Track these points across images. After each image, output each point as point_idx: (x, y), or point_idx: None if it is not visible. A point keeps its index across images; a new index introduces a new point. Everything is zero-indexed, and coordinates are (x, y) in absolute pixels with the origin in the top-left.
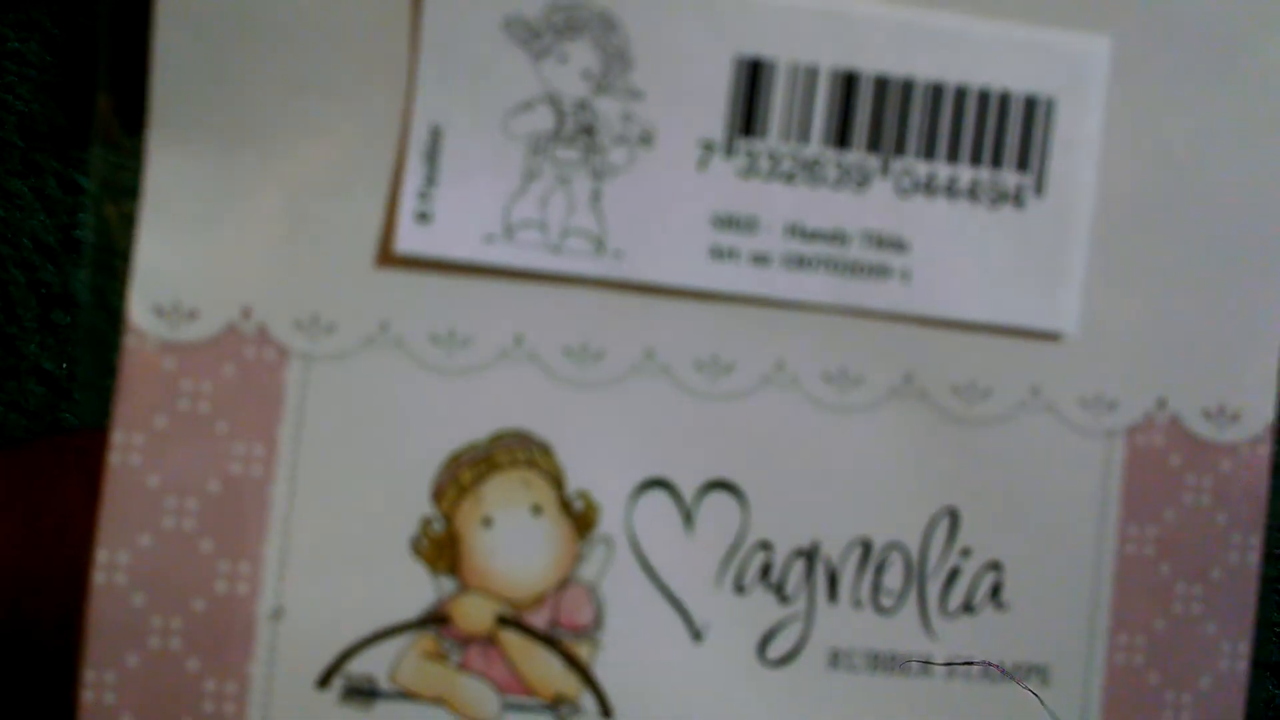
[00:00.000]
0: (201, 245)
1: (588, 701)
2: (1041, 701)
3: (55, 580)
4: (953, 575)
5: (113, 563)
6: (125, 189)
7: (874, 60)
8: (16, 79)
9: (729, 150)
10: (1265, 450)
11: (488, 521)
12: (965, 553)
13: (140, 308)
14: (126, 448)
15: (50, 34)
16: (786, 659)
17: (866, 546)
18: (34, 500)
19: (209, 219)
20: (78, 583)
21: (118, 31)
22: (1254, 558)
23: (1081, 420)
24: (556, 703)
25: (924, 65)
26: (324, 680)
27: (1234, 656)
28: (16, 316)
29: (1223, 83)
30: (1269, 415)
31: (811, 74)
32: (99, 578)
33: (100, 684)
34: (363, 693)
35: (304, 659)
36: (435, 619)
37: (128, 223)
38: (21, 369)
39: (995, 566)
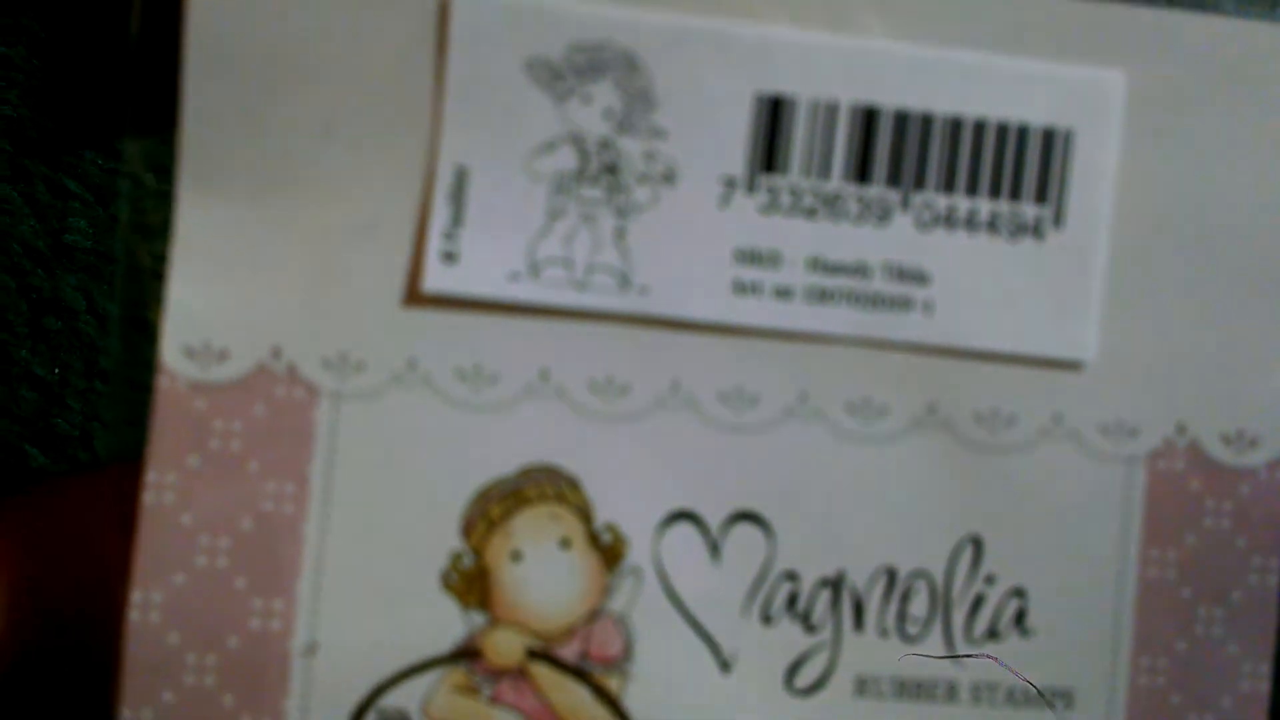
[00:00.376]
0: (231, 287)
1: None
2: None
3: (89, 615)
4: (977, 602)
5: (147, 601)
6: (153, 229)
7: (893, 96)
8: (4, 84)
9: (751, 187)
10: (1277, 475)
11: (517, 555)
12: (989, 580)
13: (172, 349)
14: (160, 487)
15: (38, 38)
16: (814, 687)
17: (891, 575)
18: (66, 536)
19: (238, 261)
20: (112, 617)
21: (145, 74)
22: (1274, 580)
23: (1103, 447)
24: None
25: (942, 100)
26: (358, 715)
27: (1255, 677)
28: (7, 322)
29: (1237, 113)
30: None
31: (832, 110)
32: (134, 616)
33: (139, 713)
34: None
35: (338, 694)
36: (466, 653)
37: (159, 262)
38: (13, 374)
39: (1019, 593)
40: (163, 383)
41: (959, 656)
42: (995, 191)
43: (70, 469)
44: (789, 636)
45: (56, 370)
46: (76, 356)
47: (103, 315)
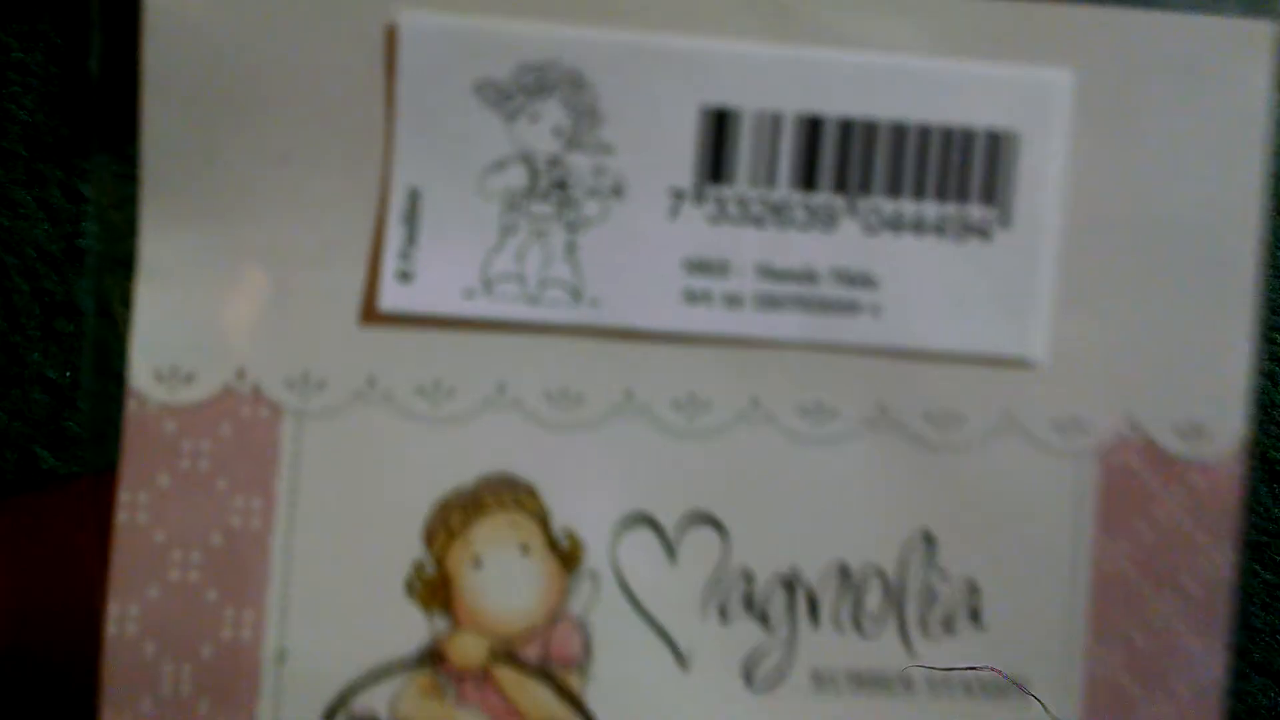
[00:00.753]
0: (196, 311)
1: None
2: (1045, 707)
3: (68, 621)
4: (931, 596)
5: (124, 614)
6: (119, 260)
7: (837, 104)
8: (20, 89)
9: (698, 197)
10: (1237, 465)
11: (477, 562)
12: (943, 574)
13: (140, 373)
14: (133, 506)
15: (54, 44)
16: (771, 683)
17: (845, 571)
18: (44, 545)
19: (201, 286)
20: (90, 622)
21: (108, 110)
22: (1227, 570)
23: (1055, 443)
24: None
25: (886, 106)
26: (328, 718)
27: (1211, 666)
28: (20, 325)
29: (1186, 107)
30: (1240, 430)
31: (776, 120)
32: (111, 629)
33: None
34: None
35: (308, 699)
36: (431, 657)
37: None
38: (25, 377)
39: (973, 586)
40: (132, 406)
41: (930, 667)
42: (942, 194)
43: (55, 477)
44: (746, 634)
45: (68, 374)
46: (87, 359)
47: (114, 318)
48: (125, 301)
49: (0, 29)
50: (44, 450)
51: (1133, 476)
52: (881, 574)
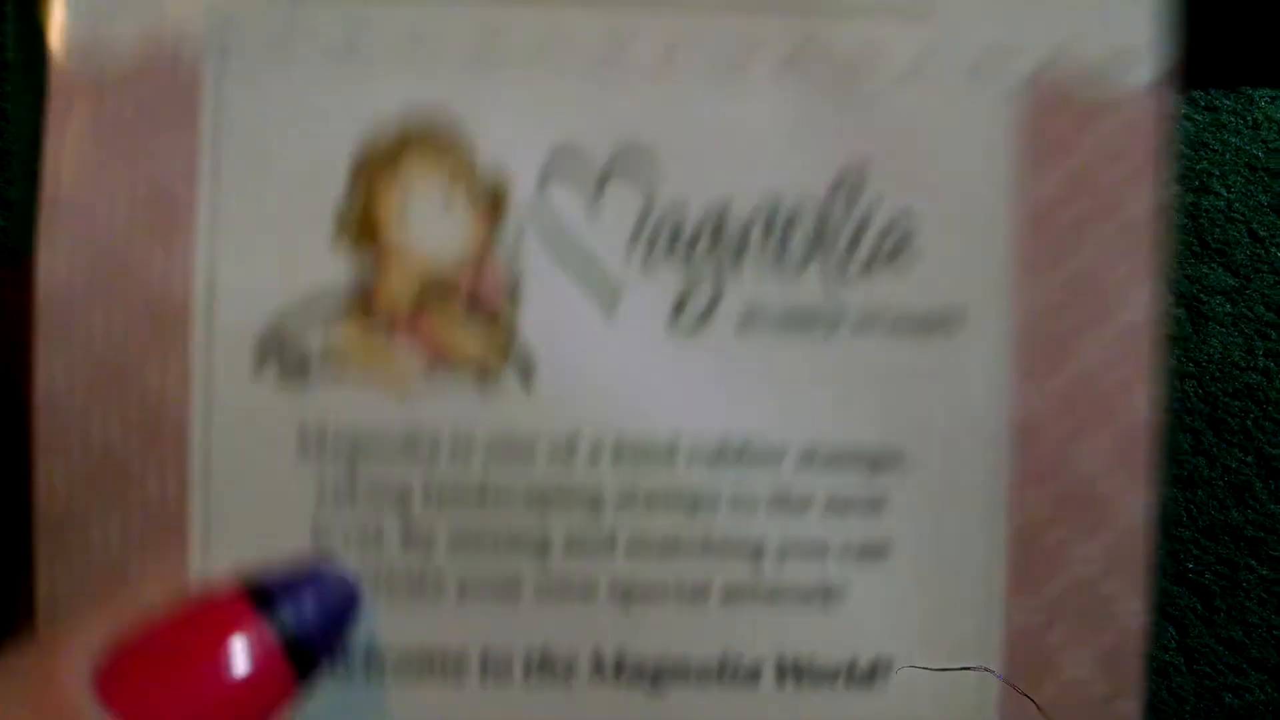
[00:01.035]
0: None
1: (509, 372)
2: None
3: None
4: (861, 229)
5: (53, 264)
6: None
7: None
8: None
9: None
10: (1158, 95)
11: (404, 202)
12: (872, 207)
13: (61, 43)
14: (57, 175)
15: None
16: (697, 325)
17: (774, 206)
18: None
19: None
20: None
21: None
22: (1157, 198)
23: (976, 78)
24: (480, 372)
25: None
26: (260, 356)
27: (1142, 293)
28: None
29: None
30: (1159, 62)
31: None
32: (44, 276)
33: (51, 369)
34: (297, 371)
35: (239, 336)
36: (361, 299)
37: None
38: None
39: (904, 216)
40: (55, 76)
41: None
42: None
43: None
44: (672, 275)
45: None
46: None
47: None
48: None
49: None
50: None
51: (1054, 112)
52: (809, 210)
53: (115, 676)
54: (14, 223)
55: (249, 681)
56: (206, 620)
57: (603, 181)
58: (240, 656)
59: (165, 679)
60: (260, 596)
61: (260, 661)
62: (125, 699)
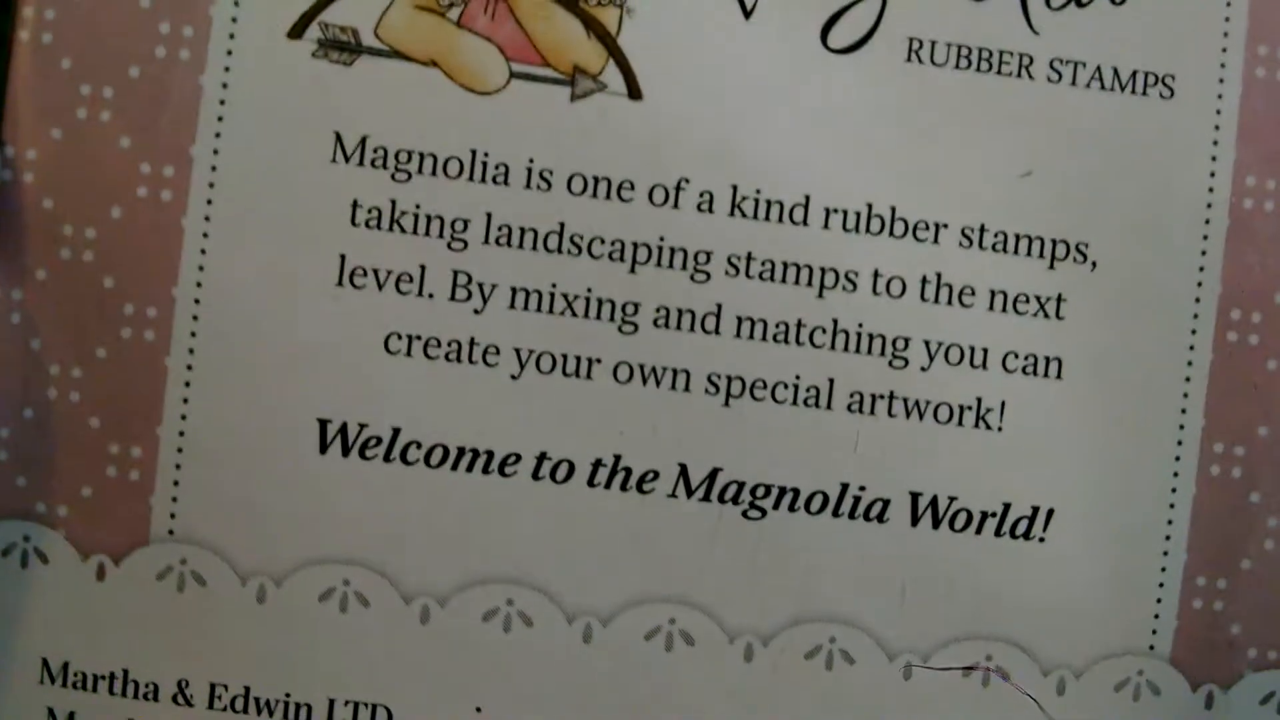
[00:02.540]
0: None
1: (612, 77)
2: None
3: None
4: None
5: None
6: None
7: None
8: None
9: None
10: None
11: None
12: None
13: None
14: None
15: None
16: (854, 46)
17: None
18: None
19: None
20: None
21: None
22: None
23: None
24: (574, 75)
25: None
26: (297, 29)
27: None
28: None
29: None
30: None
31: None
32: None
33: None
34: (342, 45)
35: (275, 5)
36: None
37: None
38: None
39: None
40: None
41: None
42: None
43: None
44: None
45: None
46: None
47: None
48: None
49: None
50: None
51: None
52: None
53: None
54: None
55: None
56: None
57: None
58: None
59: None
60: None
61: None
62: None
